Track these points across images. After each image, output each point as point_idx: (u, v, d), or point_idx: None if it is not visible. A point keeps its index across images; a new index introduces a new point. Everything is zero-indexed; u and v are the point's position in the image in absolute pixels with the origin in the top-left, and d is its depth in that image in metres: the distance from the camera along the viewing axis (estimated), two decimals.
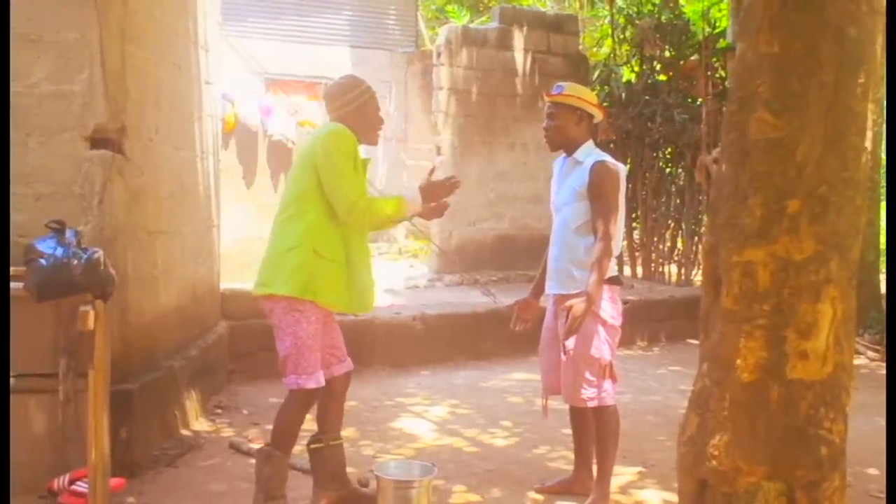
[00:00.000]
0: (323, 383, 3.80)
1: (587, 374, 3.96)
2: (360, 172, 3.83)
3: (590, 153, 4.05)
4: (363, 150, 3.94)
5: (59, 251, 3.61)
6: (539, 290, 4.31)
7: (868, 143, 2.36)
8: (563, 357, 4.05)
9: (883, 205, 11.04)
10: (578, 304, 3.74)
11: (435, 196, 3.95)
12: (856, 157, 2.29)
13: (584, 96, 4.10)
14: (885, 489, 4.22)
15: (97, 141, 4.11)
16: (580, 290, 3.92)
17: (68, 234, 3.72)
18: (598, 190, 3.92)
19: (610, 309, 4.01)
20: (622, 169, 4.09)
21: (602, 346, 3.97)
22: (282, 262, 3.76)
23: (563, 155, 4.17)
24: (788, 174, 2.28)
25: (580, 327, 3.78)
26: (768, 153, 2.30)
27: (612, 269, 4.04)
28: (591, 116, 4.11)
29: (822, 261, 2.29)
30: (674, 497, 3.89)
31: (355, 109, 3.87)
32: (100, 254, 3.70)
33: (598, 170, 3.94)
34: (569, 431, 5.18)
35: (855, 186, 2.30)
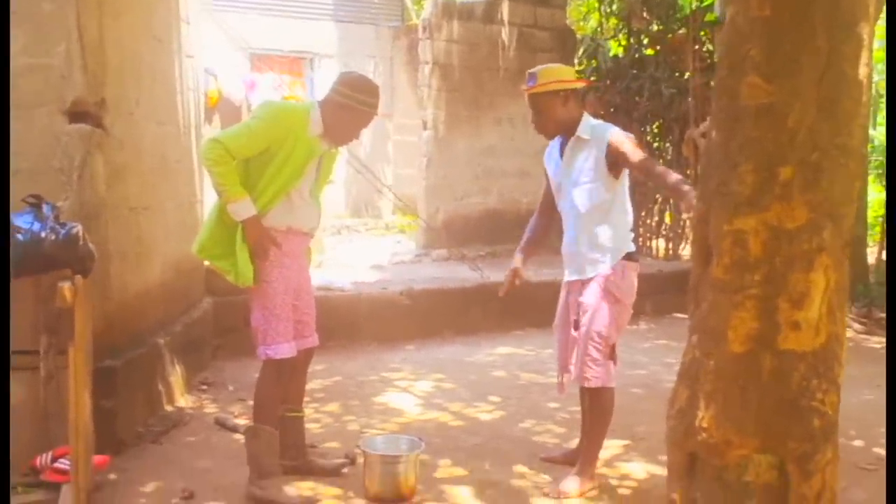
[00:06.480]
0: (294, 353, 3.82)
1: (593, 353, 3.86)
2: (298, 156, 3.72)
3: (594, 126, 3.91)
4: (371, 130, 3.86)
5: (36, 226, 3.54)
6: (524, 256, 4.19)
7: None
8: (573, 334, 3.97)
9: (871, 178, 11.11)
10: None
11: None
12: (849, 122, 2.25)
13: (560, 77, 3.95)
14: (871, 462, 4.25)
15: (76, 115, 4.02)
16: (599, 275, 3.85)
17: (45, 208, 3.65)
18: (626, 152, 3.78)
19: (623, 286, 3.89)
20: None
21: (610, 326, 3.86)
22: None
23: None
24: (780, 140, 2.24)
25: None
26: (759, 119, 2.25)
27: (629, 245, 3.93)
28: (575, 91, 3.98)
29: (814, 229, 2.25)
30: (660, 469, 3.87)
31: (348, 108, 3.77)
32: (78, 228, 3.63)
33: (618, 136, 3.82)
34: (554, 405, 5.20)
35: (849, 153, 2.26)
